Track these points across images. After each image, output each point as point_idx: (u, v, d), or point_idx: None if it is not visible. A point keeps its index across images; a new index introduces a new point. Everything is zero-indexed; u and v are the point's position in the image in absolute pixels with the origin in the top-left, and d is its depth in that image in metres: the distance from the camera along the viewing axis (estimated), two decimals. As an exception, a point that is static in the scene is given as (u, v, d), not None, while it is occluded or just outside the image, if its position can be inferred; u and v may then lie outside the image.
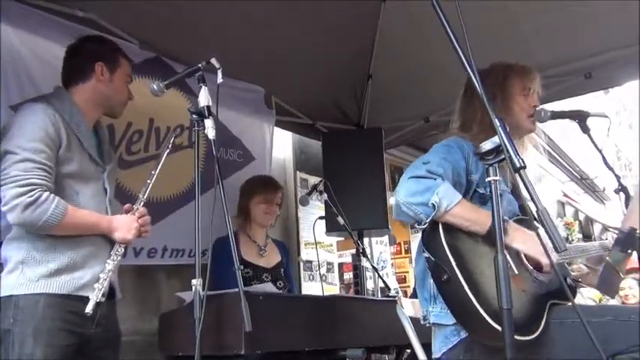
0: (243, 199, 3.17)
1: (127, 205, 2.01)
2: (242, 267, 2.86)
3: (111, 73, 2.04)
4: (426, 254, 1.70)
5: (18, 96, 2.37)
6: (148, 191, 2.03)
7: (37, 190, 1.73)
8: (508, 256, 1.71)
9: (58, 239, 1.83)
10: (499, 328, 1.46)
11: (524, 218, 1.86)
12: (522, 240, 1.72)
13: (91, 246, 1.90)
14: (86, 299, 1.80)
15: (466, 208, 1.68)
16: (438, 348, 1.82)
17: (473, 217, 1.67)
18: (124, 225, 1.93)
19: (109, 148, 2.14)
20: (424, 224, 1.67)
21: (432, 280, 1.78)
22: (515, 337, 1.50)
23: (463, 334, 1.74)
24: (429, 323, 1.86)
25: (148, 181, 2.03)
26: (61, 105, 1.92)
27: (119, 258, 1.92)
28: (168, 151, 2.07)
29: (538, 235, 1.30)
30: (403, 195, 1.68)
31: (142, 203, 2.01)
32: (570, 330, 1.66)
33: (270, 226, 3.24)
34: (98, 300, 1.80)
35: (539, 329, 1.63)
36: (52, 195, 1.77)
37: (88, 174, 1.96)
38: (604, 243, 2.03)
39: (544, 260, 1.71)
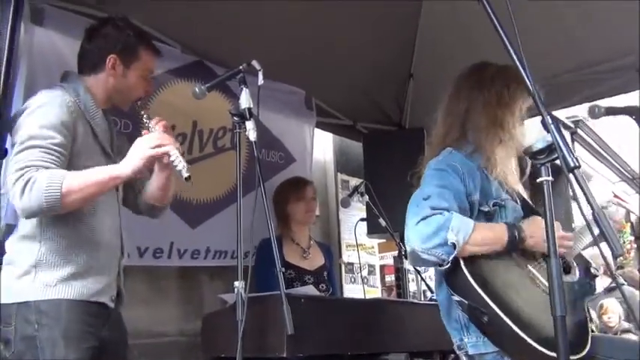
0: (279, 206, 3.11)
1: (145, 132, 1.83)
2: (285, 269, 2.88)
3: (125, 66, 1.83)
4: (456, 297, 1.60)
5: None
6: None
7: (28, 171, 1.55)
8: (535, 270, 1.65)
9: (73, 241, 1.70)
10: (552, 354, 1.39)
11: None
12: (537, 239, 1.61)
13: (107, 250, 1.79)
14: (101, 305, 1.74)
15: (482, 231, 1.59)
16: None
17: (491, 238, 1.59)
18: (133, 148, 1.69)
19: (121, 142, 1.94)
20: (447, 264, 1.56)
21: (459, 312, 1.69)
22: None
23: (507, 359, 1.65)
24: (466, 354, 1.73)
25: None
26: (75, 93, 1.77)
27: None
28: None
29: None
30: (417, 242, 1.57)
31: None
32: None
33: (313, 223, 3.22)
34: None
35: (588, 344, 1.55)
36: (43, 169, 1.57)
37: None
38: None
39: (561, 250, 1.61)
